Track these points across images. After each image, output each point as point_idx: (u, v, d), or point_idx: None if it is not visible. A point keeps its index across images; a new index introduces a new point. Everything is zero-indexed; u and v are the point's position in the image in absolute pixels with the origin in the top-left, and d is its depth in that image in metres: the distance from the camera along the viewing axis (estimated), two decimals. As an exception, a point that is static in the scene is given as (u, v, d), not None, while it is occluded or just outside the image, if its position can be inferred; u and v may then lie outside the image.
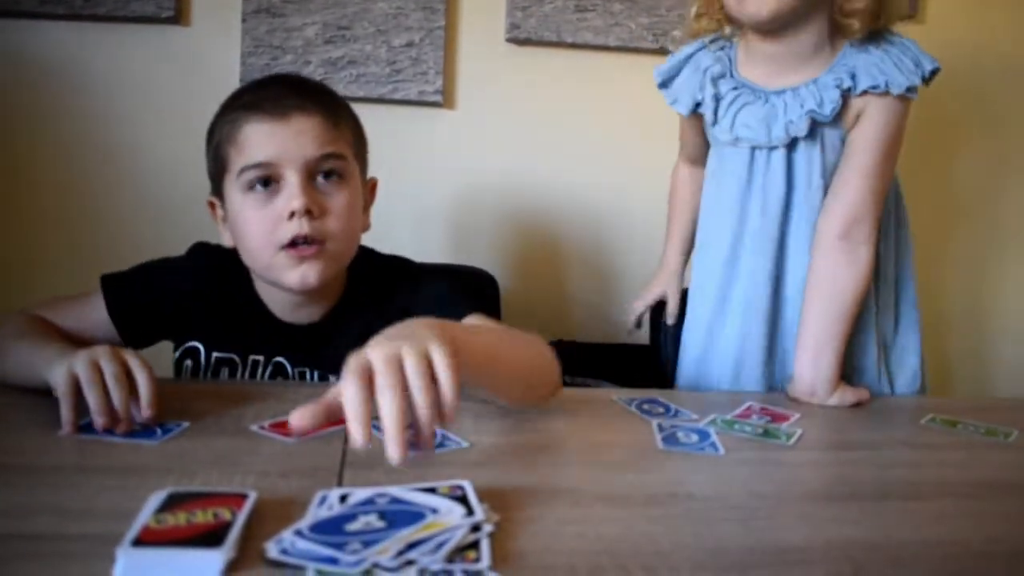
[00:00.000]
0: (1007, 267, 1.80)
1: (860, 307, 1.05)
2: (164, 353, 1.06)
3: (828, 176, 1.07)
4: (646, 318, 1.37)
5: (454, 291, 1.01)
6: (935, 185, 1.74)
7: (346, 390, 0.58)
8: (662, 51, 1.57)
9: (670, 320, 1.30)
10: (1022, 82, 1.75)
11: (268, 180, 0.92)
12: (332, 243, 0.94)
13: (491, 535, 0.55)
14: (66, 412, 0.72)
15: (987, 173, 1.76)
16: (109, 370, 0.73)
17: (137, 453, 0.70)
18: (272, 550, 0.51)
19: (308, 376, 1.01)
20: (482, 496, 0.59)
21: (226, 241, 1.00)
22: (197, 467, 0.67)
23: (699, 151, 1.24)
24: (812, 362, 1.03)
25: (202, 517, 0.53)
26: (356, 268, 1.03)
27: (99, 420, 0.71)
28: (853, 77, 1.01)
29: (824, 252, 1.04)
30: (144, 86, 1.47)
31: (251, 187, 0.93)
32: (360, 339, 0.97)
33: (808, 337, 1.04)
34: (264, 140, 0.92)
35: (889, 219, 1.13)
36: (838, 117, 1.04)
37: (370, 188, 1.06)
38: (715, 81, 1.11)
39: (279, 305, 1.01)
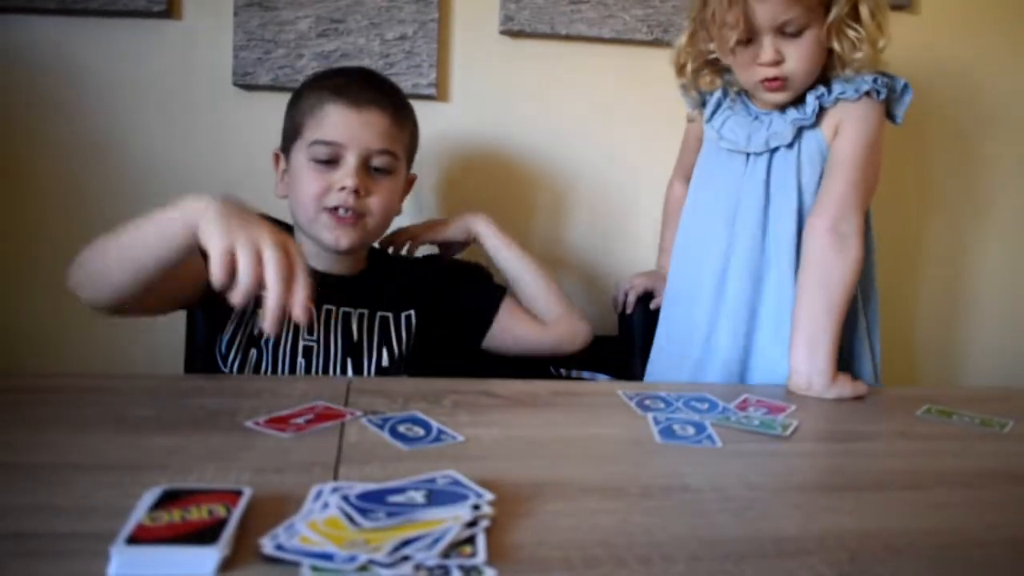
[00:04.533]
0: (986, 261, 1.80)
1: (850, 300, 1.07)
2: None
3: (803, 180, 1.14)
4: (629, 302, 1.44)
5: (487, 283, 1.29)
6: (925, 180, 1.74)
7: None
8: (656, 43, 1.57)
9: (655, 307, 1.37)
10: (1015, 74, 1.74)
11: (332, 155, 1.12)
12: (370, 219, 1.15)
13: (487, 529, 0.55)
14: (220, 272, 0.74)
15: (981, 168, 1.76)
16: (272, 265, 0.75)
17: (130, 450, 0.69)
18: (267, 546, 0.51)
19: (334, 313, 1.15)
20: (478, 490, 0.59)
21: (278, 191, 1.20)
22: (192, 463, 0.67)
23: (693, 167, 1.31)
24: (807, 356, 1.03)
25: (197, 514, 0.53)
26: (374, 256, 1.27)
27: (239, 298, 0.74)
28: (828, 91, 1.12)
29: (814, 243, 1.08)
30: (136, 80, 1.46)
31: (316, 157, 1.12)
32: (383, 286, 1.20)
33: (801, 331, 1.05)
34: (338, 122, 1.11)
35: None
36: (817, 125, 1.13)
37: (409, 182, 1.26)
38: (725, 88, 1.22)
39: (313, 260, 1.13)
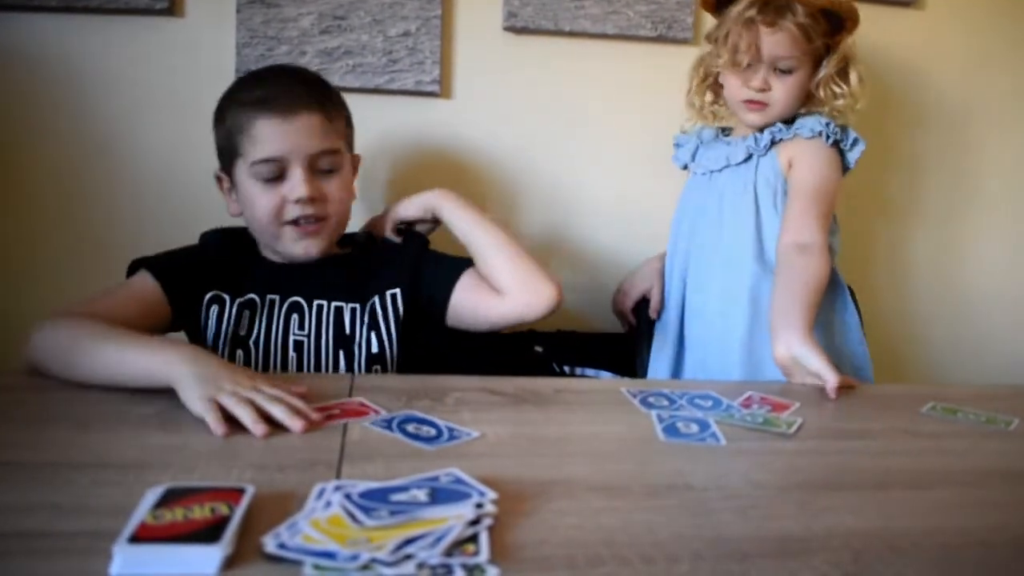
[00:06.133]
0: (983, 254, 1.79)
1: (819, 295, 1.13)
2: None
3: (759, 193, 1.27)
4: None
5: (453, 256, 1.22)
6: (926, 176, 1.74)
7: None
8: (660, 39, 1.57)
9: (654, 315, 1.42)
10: (1019, 70, 1.73)
11: (277, 171, 1.10)
12: (331, 219, 1.15)
13: (489, 528, 0.55)
14: (218, 424, 0.74)
15: (983, 164, 1.75)
16: (252, 394, 0.78)
17: (133, 448, 0.69)
18: (270, 545, 0.51)
19: (325, 309, 1.14)
20: (480, 489, 0.59)
21: (231, 210, 1.18)
22: (195, 462, 0.67)
23: None
24: (783, 320, 1.08)
25: (199, 512, 0.53)
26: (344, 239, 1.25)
27: (259, 428, 0.74)
28: (787, 127, 1.27)
29: (780, 257, 1.19)
30: (139, 78, 1.46)
31: (261, 176, 1.10)
32: (368, 273, 1.18)
33: (776, 308, 1.11)
34: (274, 137, 1.09)
35: None
36: (772, 150, 1.28)
37: (354, 165, 1.25)
38: (700, 132, 1.42)
39: (275, 257, 1.18)
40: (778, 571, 0.53)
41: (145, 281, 1.08)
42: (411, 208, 1.24)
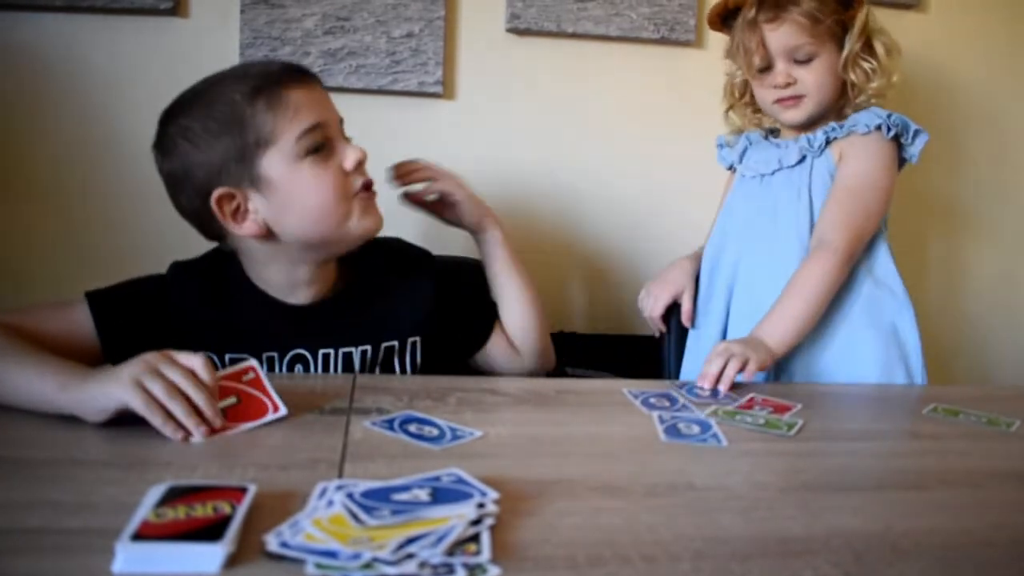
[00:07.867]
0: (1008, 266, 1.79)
1: (819, 303, 1.12)
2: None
3: (814, 196, 1.22)
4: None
5: (483, 297, 1.17)
6: (930, 181, 1.74)
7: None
8: (663, 41, 1.57)
9: (687, 322, 1.34)
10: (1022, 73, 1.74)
11: (324, 138, 0.96)
12: (373, 185, 1.02)
13: (491, 527, 0.55)
14: (167, 426, 0.71)
15: (988, 167, 1.76)
16: (180, 380, 0.73)
17: (135, 446, 0.70)
18: (272, 544, 0.51)
19: (333, 357, 1.02)
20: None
21: (246, 231, 0.95)
22: (197, 460, 0.67)
23: None
24: (768, 322, 1.10)
25: (202, 511, 0.53)
26: (352, 268, 1.08)
27: (201, 430, 0.72)
28: (840, 126, 1.21)
29: (806, 257, 1.17)
30: (142, 78, 1.47)
31: (309, 151, 0.94)
32: (379, 311, 1.06)
33: (772, 309, 1.12)
34: (311, 104, 0.96)
35: None
36: (827, 149, 1.22)
37: None
38: (748, 134, 1.36)
39: (278, 289, 1.01)
40: (780, 571, 0.53)
41: (82, 315, 0.94)
42: (463, 214, 1.14)
